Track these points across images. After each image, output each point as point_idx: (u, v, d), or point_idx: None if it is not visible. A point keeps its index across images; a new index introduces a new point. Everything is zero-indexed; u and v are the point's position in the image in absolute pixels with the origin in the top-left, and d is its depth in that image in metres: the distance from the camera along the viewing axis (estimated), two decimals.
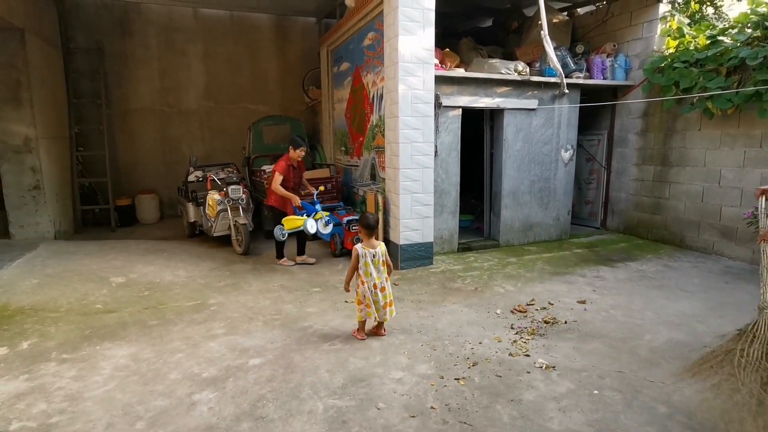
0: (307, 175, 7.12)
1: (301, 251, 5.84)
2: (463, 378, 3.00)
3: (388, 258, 3.63)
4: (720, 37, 5.58)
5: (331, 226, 5.67)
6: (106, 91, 8.52)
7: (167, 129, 9.36)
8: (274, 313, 4.19)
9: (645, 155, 6.81)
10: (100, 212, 8.57)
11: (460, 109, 5.92)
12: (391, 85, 5.47)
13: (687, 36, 6.06)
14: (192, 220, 7.04)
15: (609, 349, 3.42)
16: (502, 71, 6.06)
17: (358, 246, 3.54)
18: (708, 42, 5.64)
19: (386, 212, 5.72)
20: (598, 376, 3.04)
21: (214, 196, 6.32)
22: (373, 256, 3.51)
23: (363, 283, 3.50)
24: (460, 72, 5.97)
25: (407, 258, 5.45)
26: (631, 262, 5.71)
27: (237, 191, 6.27)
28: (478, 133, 6.70)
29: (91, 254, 6.23)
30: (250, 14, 9.51)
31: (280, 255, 5.78)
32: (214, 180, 6.64)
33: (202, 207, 6.65)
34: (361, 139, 6.98)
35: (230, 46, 9.50)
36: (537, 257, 5.96)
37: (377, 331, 3.67)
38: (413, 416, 2.59)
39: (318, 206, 5.68)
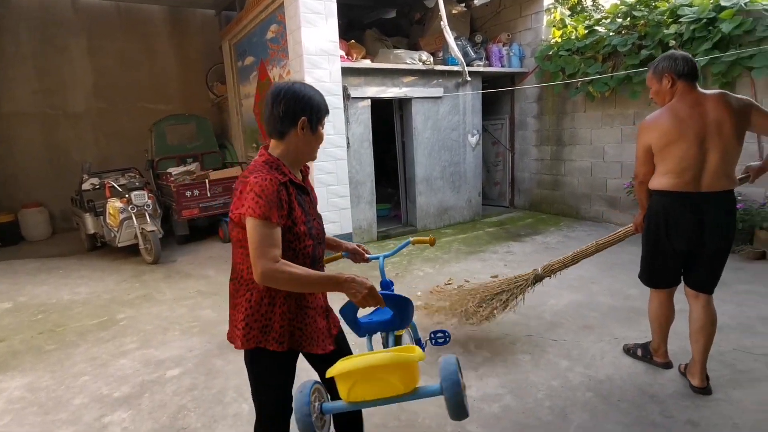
0: (217, 174, 6.86)
1: None
2: None
3: None
4: (596, 27, 6.17)
5: None
6: None
7: (52, 134, 8.45)
8: (191, 320, 4.00)
9: (542, 136, 7.38)
10: None
11: (369, 100, 6.00)
12: (298, 78, 5.40)
13: (569, 26, 6.63)
14: (91, 231, 6.45)
15: (520, 317, 3.69)
16: (407, 61, 6.23)
17: None
18: (586, 32, 6.22)
19: None
20: (510, 342, 3.29)
21: (115, 204, 5.84)
22: None
23: None
24: (367, 63, 6.04)
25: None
26: (537, 236, 6.19)
27: (141, 197, 5.86)
28: (390, 123, 6.84)
29: None
30: (140, 6, 8.83)
31: None
32: (113, 187, 6.14)
33: (101, 217, 6.13)
34: None
35: (121, 41, 8.77)
36: (453, 239, 6.26)
37: None
38: None
39: None
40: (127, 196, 5.83)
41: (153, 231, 5.71)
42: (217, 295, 4.59)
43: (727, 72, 4.85)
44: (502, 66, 7.20)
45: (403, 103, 6.52)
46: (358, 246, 2.15)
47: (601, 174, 6.55)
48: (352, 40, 6.37)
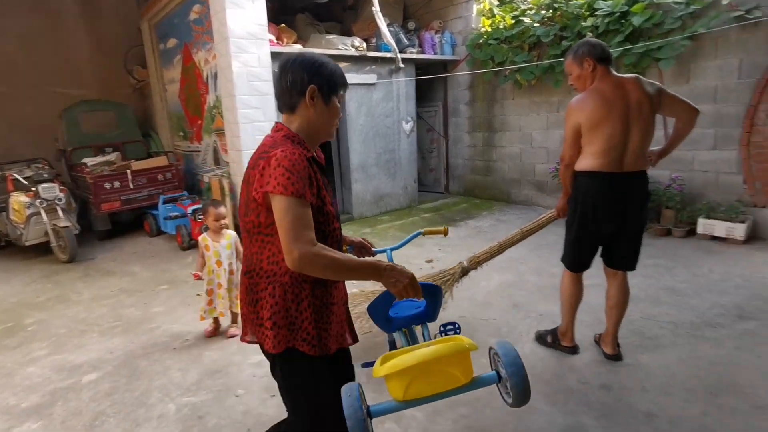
0: (142, 164, 6.44)
1: None
2: None
3: (240, 246, 3.39)
4: (522, 18, 6.39)
5: None
6: None
7: None
8: (112, 320, 3.74)
9: (474, 123, 7.58)
10: None
11: None
12: (224, 63, 5.16)
13: (498, 16, 6.82)
14: None
15: (454, 300, 3.80)
16: (340, 47, 6.13)
17: (204, 236, 3.31)
18: (513, 22, 6.42)
19: (234, 197, 5.45)
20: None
21: (19, 199, 5.31)
22: (222, 246, 3.28)
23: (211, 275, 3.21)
24: (298, 48, 5.87)
25: None
26: (470, 220, 6.38)
27: (51, 190, 5.36)
28: None
29: None
30: None
31: None
32: (17, 179, 5.57)
33: (4, 213, 5.55)
34: (199, 122, 6.48)
35: (22, 19, 7.92)
36: (389, 225, 6.30)
37: (230, 330, 3.38)
38: (273, 395, 2.58)
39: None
40: (34, 189, 5.32)
41: (67, 227, 5.26)
42: (142, 292, 4.33)
43: (637, 63, 5.20)
44: (435, 53, 7.28)
45: None
46: (363, 239, 1.98)
47: (530, 159, 6.85)
48: (283, 24, 6.17)
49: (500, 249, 3.17)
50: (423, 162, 8.35)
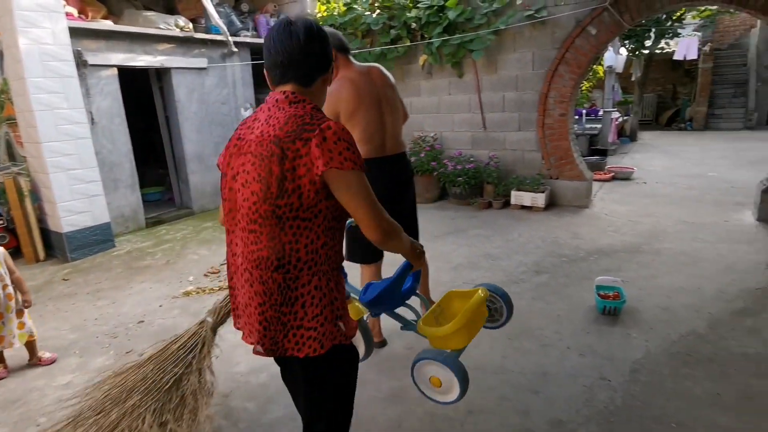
0: None
1: None
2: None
3: (12, 263, 2.71)
4: (354, 6, 6.55)
5: None
6: None
7: None
8: None
9: None
10: None
11: (116, 69, 5.20)
12: (10, 40, 4.32)
13: (332, 2, 6.88)
14: None
15: None
16: (161, 26, 5.57)
17: None
18: (345, 9, 6.55)
19: (36, 197, 4.66)
20: None
21: None
22: None
23: None
24: (108, 25, 5.18)
25: (78, 246, 4.63)
26: None
27: None
28: (151, 96, 6.09)
29: None
30: None
31: None
32: None
33: None
34: None
35: None
36: None
37: (42, 357, 2.84)
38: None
39: None
40: None
41: None
42: None
43: (455, 53, 5.74)
44: None
45: (162, 73, 5.85)
46: None
47: None
48: None
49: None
50: None
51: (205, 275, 4.11)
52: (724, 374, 2.34)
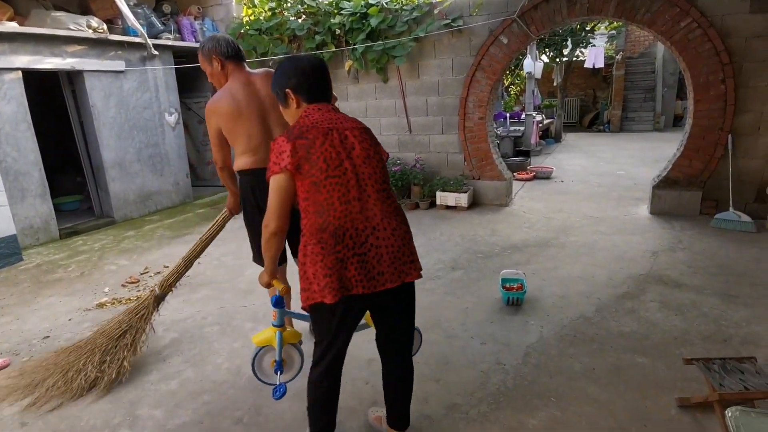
0: None
1: None
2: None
3: None
4: (278, 10, 6.56)
5: None
6: None
7: None
8: None
9: None
10: None
11: (20, 72, 4.91)
12: None
13: (258, 6, 6.85)
14: None
15: (215, 292, 3.78)
16: (71, 26, 5.33)
17: None
18: (270, 14, 6.54)
19: None
20: (202, 317, 3.34)
21: None
22: None
23: None
24: (11, 26, 4.89)
25: None
26: None
27: None
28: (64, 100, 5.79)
29: None
30: None
31: None
32: None
33: None
34: None
35: None
36: (158, 225, 5.85)
37: None
38: None
39: None
40: None
41: None
42: None
43: (379, 59, 5.90)
44: (196, 41, 6.94)
45: (74, 76, 5.59)
46: None
47: None
48: None
49: (187, 265, 2.84)
50: (198, 155, 7.93)
51: (123, 285, 3.98)
52: (600, 350, 2.61)
